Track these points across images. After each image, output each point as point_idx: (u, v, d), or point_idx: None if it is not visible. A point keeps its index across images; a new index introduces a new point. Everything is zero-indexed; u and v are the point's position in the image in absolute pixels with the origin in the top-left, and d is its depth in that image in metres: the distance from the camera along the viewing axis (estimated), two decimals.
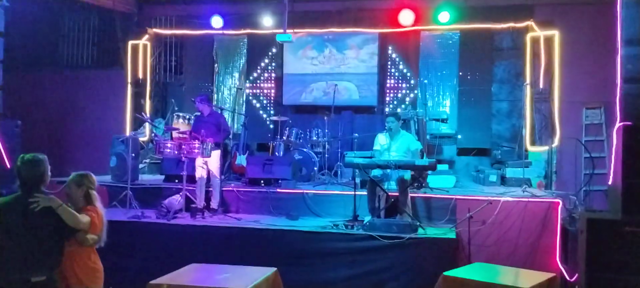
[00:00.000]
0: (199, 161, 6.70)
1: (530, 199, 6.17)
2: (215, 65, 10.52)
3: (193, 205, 6.32)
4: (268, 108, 10.42)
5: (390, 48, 9.94)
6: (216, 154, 6.58)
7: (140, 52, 10.32)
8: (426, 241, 5.55)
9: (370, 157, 5.78)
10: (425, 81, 7.71)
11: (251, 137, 10.25)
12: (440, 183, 7.55)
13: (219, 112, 6.96)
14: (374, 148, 6.43)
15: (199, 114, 7.05)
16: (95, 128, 10.22)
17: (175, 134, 6.74)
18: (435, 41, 9.75)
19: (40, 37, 10.93)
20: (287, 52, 10.26)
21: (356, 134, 6.84)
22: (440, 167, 8.35)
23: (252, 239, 5.81)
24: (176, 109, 9.11)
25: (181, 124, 8.00)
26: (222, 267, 4.34)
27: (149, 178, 8.03)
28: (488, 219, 6.13)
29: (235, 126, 9.43)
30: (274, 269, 4.27)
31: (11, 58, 10.60)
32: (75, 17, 11.11)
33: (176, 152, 6.25)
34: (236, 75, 10.53)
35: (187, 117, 7.98)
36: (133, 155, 6.62)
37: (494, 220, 6.13)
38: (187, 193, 6.41)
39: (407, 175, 6.15)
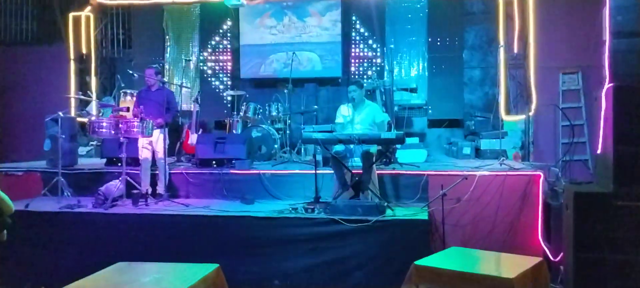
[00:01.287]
0: (142, 141, 5.95)
1: (508, 173, 5.64)
2: (167, 37, 9.62)
3: (135, 191, 5.56)
4: (225, 82, 9.63)
5: (354, 14, 9.27)
6: (159, 134, 5.82)
7: (82, 25, 9.35)
8: (395, 224, 4.97)
9: (331, 131, 5.12)
10: (392, 46, 7.08)
11: (207, 114, 9.50)
12: (410, 158, 6.99)
13: (165, 87, 6.14)
14: (336, 121, 5.77)
15: (143, 88, 6.24)
16: (36, 108, 9.23)
17: (112, 113, 5.91)
18: (402, 5, 9.12)
19: None
20: (244, 21, 9.47)
21: (316, 106, 6.16)
22: (410, 140, 7.83)
23: (200, 228, 5.12)
24: (123, 85, 8.27)
25: (129, 102, 7.28)
26: (153, 265, 3.67)
27: (90, 162, 7.20)
28: (463, 196, 5.60)
29: (184, 102, 8.58)
30: (216, 266, 3.60)
31: None
32: None
33: (113, 132, 5.47)
34: (190, 47, 9.65)
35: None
36: (63, 136, 5.76)
37: (470, 197, 5.61)
38: (128, 178, 5.64)
39: (373, 149, 5.54)
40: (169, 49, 9.59)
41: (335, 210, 5.06)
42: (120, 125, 5.44)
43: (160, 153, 5.86)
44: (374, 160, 5.47)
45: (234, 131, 8.16)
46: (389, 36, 9.01)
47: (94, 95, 9.22)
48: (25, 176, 6.28)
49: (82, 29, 9.30)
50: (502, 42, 7.96)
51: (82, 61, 9.39)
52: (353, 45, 9.32)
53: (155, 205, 5.62)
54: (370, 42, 9.20)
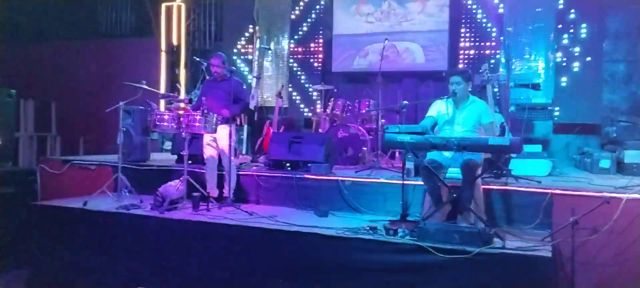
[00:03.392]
0: (206, 138, 5.31)
1: None
2: (256, 27, 9.05)
3: (195, 194, 4.92)
4: (315, 76, 8.81)
5: None
6: (225, 130, 5.12)
7: (174, 16, 9.13)
8: (505, 258, 3.70)
9: (423, 133, 3.99)
10: (510, 29, 5.71)
11: (296, 111, 8.79)
12: (529, 170, 5.59)
13: (233, 76, 5.43)
14: (428, 114, 4.62)
15: (210, 79, 5.61)
16: (141, 101, 9.38)
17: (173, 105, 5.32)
18: None
19: (79, 4, 10.12)
20: (338, 9, 8.61)
21: (405, 102, 5.05)
22: (529, 148, 6.39)
23: (258, 243, 4.29)
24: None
25: None
26: None
27: (163, 158, 6.78)
28: (602, 226, 4.16)
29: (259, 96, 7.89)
30: None
31: (48, 27, 10.04)
32: None
33: (174, 126, 4.87)
34: (279, 38, 8.98)
35: None
36: (123, 129, 5.24)
37: (612, 228, 4.15)
38: (189, 178, 5.01)
39: (478, 158, 4.30)
40: (258, 39, 9.00)
41: (425, 234, 3.92)
42: (181, 119, 4.82)
43: (226, 152, 5.16)
44: (478, 172, 4.24)
45: (320, 130, 7.33)
46: (508, 22, 7.55)
47: (182, 88, 8.97)
48: (98, 170, 5.98)
49: (174, 20, 9.09)
50: None
51: (174, 53, 9.20)
52: (462, 34, 8.01)
53: (218, 210, 4.92)
54: (485, 28, 7.83)
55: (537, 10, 7.55)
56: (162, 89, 9.02)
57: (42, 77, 9.75)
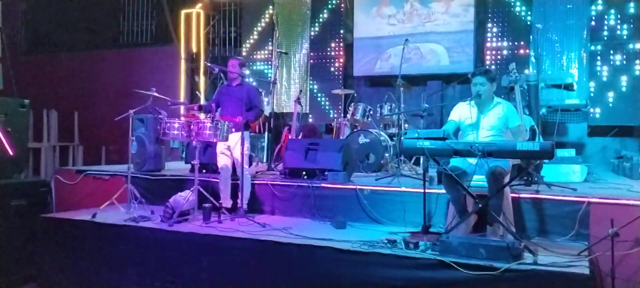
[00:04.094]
0: (220, 146, 5.12)
1: None
2: (275, 32, 8.88)
3: (206, 205, 4.73)
4: (337, 80, 8.56)
5: None
6: (237, 137, 4.91)
7: (193, 23, 9.05)
8: (537, 275, 3.36)
9: (445, 138, 3.69)
10: (539, 26, 5.34)
11: (317, 116, 8.57)
12: (563, 176, 5.22)
13: (246, 81, 5.22)
14: (450, 118, 4.31)
15: (224, 84, 5.43)
16: (151, 110, 9.33)
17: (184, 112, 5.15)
18: None
19: (101, 14, 10.17)
20: (359, 11, 8.37)
21: (426, 105, 4.75)
22: (562, 152, 6.02)
23: (270, 258, 4.05)
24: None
25: None
26: None
27: (178, 167, 6.63)
28: None
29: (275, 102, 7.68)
30: None
31: (71, 38, 10.12)
32: None
33: (184, 134, 4.70)
34: (299, 42, 8.78)
35: None
36: (134, 138, 5.09)
37: None
38: (200, 188, 4.83)
39: (505, 165, 3.97)
40: (277, 44, 8.81)
41: (448, 248, 3.62)
42: (191, 127, 4.64)
43: (239, 160, 4.95)
44: (506, 180, 3.91)
45: (340, 136, 7.07)
46: (537, 20, 7.16)
47: (202, 95, 8.87)
48: (112, 180, 5.86)
49: (193, 27, 9.01)
50: None
51: (193, 60, 9.11)
52: (489, 35, 7.65)
53: (230, 222, 4.71)
54: (513, 27, 7.45)
55: (568, 6, 7.16)
56: (182, 97, 8.94)
57: (65, 87, 9.82)
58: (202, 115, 5.08)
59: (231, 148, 5.08)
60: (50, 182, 6.08)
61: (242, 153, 4.85)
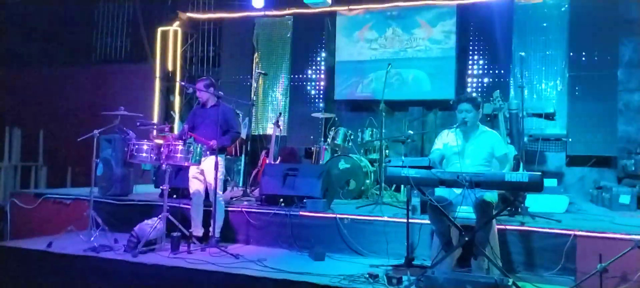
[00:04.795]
0: (192, 171, 4.84)
1: None
2: (256, 53, 8.69)
3: (174, 234, 4.43)
4: (317, 104, 8.39)
5: (472, 24, 7.59)
6: (211, 161, 4.64)
7: (170, 41, 8.81)
8: None
9: (430, 167, 3.53)
10: (522, 54, 5.29)
11: (297, 140, 8.36)
12: (545, 206, 5.12)
13: (221, 102, 4.97)
14: (434, 147, 4.17)
15: (198, 106, 5.19)
16: (117, 130, 8.99)
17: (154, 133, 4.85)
18: (536, 12, 7.28)
19: (74, 28, 9.82)
20: (341, 35, 8.27)
21: (411, 132, 4.61)
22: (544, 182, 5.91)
23: None
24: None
25: None
26: None
27: (148, 192, 6.29)
28: (633, 273, 3.69)
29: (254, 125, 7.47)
30: None
31: (40, 53, 9.73)
32: (109, 7, 9.89)
33: (153, 157, 4.42)
34: (280, 64, 8.61)
35: None
36: (98, 161, 4.77)
37: None
38: (169, 216, 4.53)
39: (492, 197, 3.82)
40: (257, 66, 8.61)
41: (433, 284, 3.43)
42: (161, 150, 4.38)
43: (213, 186, 4.68)
44: (492, 212, 3.75)
45: (320, 161, 6.88)
46: (518, 49, 7.17)
47: (177, 116, 8.59)
48: (74, 204, 5.51)
49: (170, 45, 8.76)
50: None
51: (169, 79, 8.84)
52: (470, 61, 7.61)
53: (200, 253, 4.43)
54: (493, 55, 7.43)
55: (547, 37, 7.21)
56: (156, 117, 8.64)
57: (32, 103, 9.39)
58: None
59: (204, 172, 4.81)
60: (5, 206, 5.65)
61: (215, 178, 4.59)
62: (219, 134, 4.67)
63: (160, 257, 4.25)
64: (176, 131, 7.45)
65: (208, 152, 4.67)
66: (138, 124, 4.63)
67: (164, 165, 4.45)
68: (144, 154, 4.41)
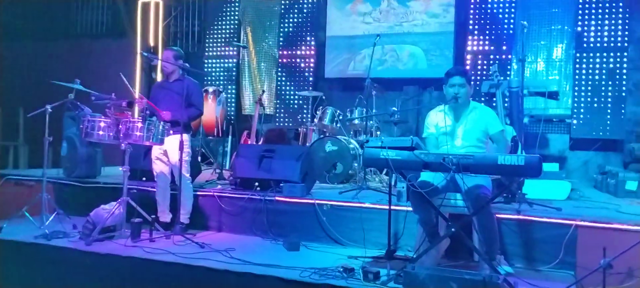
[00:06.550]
0: (155, 151, 4.42)
1: None
2: (242, 27, 8.21)
3: (135, 220, 4.04)
4: (307, 82, 7.93)
5: None
6: (175, 140, 4.21)
7: (151, 14, 8.34)
8: None
9: (413, 148, 3.09)
10: (524, 22, 4.83)
11: (284, 120, 7.93)
12: (545, 192, 4.70)
13: (186, 76, 4.51)
14: (425, 133, 3.73)
15: (159, 81, 4.75)
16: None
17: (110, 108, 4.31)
18: None
19: (54, 3, 9.34)
20: (332, 7, 7.76)
21: (394, 108, 4.19)
22: (544, 166, 5.46)
23: (202, 285, 3.39)
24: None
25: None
26: None
27: (118, 174, 5.88)
28: None
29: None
30: None
31: (18, 27, 9.26)
32: None
33: (111, 135, 4.00)
34: (268, 40, 8.13)
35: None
36: (51, 139, 4.36)
37: None
38: (129, 200, 4.13)
39: (487, 183, 3.39)
40: (244, 41, 8.14)
41: (413, 280, 3.02)
42: (120, 127, 3.95)
43: (179, 167, 4.25)
44: (487, 200, 3.30)
45: (308, 142, 6.45)
46: (520, 23, 6.67)
47: None
48: (38, 186, 5.11)
49: (151, 19, 8.30)
50: None
51: (151, 55, 8.38)
52: (470, 36, 7.12)
53: (164, 241, 4.04)
54: (495, 30, 6.94)
55: (554, 10, 6.70)
56: (137, 94, 8.19)
57: (10, 80, 8.95)
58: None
59: (168, 153, 4.38)
60: None
61: (180, 159, 4.16)
62: (181, 109, 4.22)
63: (117, 245, 3.86)
64: None
65: (171, 131, 4.24)
66: (93, 98, 4.19)
67: (123, 145, 4.02)
68: (101, 132, 3.98)
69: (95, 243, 3.83)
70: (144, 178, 5.00)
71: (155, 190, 4.52)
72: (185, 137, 4.22)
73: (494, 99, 5.14)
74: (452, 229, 3.20)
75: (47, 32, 9.20)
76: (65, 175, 5.18)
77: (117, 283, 3.56)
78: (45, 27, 9.23)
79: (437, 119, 3.64)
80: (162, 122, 4.08)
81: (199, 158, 6.64)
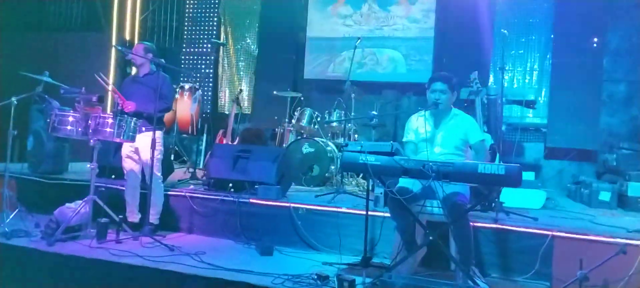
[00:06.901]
0: (126, 148, 4.26)
1: None
2: (221, 24, 8.06)
3: (101, 220, 3.87)
4: (286, 82, 7.80)
5: (453, 3, 7.07)
6: (147, 137, 4.05)
7: (128, 8, 8.11)
8: None
9: (393, 153, 3.01)
10: (505, 31, 4.83)
11: (261, 120, 7.79)
12: (521, 201, 4.68)
13: (160, 71, 4.35)
14: (405, 138, 3.67)
15: (131, 76, 4.59)
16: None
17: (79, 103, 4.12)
18: None
19: None
20: (313, 9, 7.67)
21: (374, 112, 4.12)
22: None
23: None
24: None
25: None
26: None
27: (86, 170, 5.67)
28: (616, 281, 3.28)
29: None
30: None
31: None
32: None
33: (80, 130, 3.82)
34: (248, 38, 8.00)
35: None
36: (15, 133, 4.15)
37: (629, 284, 3.25)
38: (96, 199, 3.95)
39: (465, 191, 3.34)
40: (224, 40, 7.98)
41: None
42: (89, 122, 3.78)
43: (150, 166, 4.09)
44: (466, 209, 3.25)
45: (284, 143, 6.34)
46: (500, 32, 6.70)
47: None
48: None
49: (128, 12, 8.08)
50: None
51: (126, 49, 8.15)
52: (450, 43, 7.10)
53: (132, 242, 3.87)
54: (473, 38, 6.94)
55: (530, 20, 6.76)
56: (110, 87, 7.96)
57: None
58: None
59: (139, 151, 4.22)
60: None
61: (152, 158, 4.01)
62: (152, 103, 4.06)
63: (81, 246, 3.69)
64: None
65: (143, 128, 4.08)
66: (62, 91, 4.01)
67: (91, 141, 3.84)
68: (69, 127, 3.80)
69: (58, 244, 3.65)
70: (113, 176, 4.82)
71: (124, 188, 4.34)
72: (158, 134, 4.07)
73: (473, 105, 5.13)
74: (430, 238, 3.13)
75: (19, 25, 8.87)
76: (30, 171, 4.97)
77: (79, 287, 3.38)
78: (17, 18, 8.89)
79: (417, 124, 3.58)
80: (134, 119, 3.92)
81: (172, 157, 6.47)
